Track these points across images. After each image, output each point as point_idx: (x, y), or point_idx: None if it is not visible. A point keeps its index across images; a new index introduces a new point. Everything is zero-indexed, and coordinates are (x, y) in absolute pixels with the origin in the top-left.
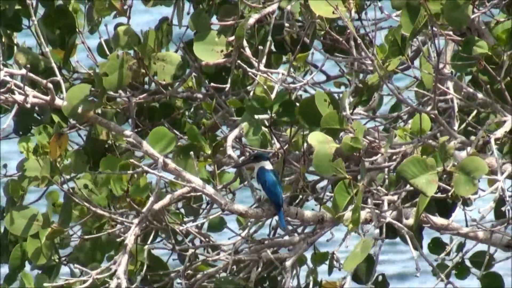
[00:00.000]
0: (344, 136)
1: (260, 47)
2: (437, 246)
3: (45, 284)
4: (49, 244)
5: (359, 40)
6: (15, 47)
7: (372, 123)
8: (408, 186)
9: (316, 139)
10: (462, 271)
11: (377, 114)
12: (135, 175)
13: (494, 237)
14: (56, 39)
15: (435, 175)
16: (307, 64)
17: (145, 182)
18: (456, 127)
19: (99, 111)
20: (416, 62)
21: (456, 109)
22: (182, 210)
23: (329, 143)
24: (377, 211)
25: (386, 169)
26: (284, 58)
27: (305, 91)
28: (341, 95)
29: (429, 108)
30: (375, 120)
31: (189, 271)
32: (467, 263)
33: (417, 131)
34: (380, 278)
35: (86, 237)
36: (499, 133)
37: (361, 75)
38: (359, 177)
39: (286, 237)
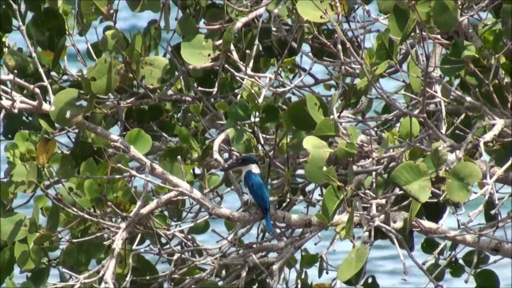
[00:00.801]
0: (334, 140)
1: (247, 51)
2: (430, 246)
3: None
4: (37, 248)
5: (348, 44)
6: (6, 49)
7: (360, 126)
8: (396, 189)
9: (311, 143)
10: (456, 270)
11: (366, 117)
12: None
13: (482, 241)
14: (45, 41)
15: (428, 181)
16: (296, 67)
17: (124, 184)
18: (444, 130)
19: (88, 114)
20: (404, 66)
21: (444, 112)
22: (166, 213)
23: (323, 148)
24: (366, 215)
25: (374, 173)
26: (273, 61)
27: (293, 93)
28: (330, 98)
29: (417, 111)
30: (364, 123)
31: (176, 275)
32: (461, 262)
33: (405, 135)
34: (370, 280)
35: (74, 240)
36: (488, 136)
37: (349, 79)
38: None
39: (274, 241)
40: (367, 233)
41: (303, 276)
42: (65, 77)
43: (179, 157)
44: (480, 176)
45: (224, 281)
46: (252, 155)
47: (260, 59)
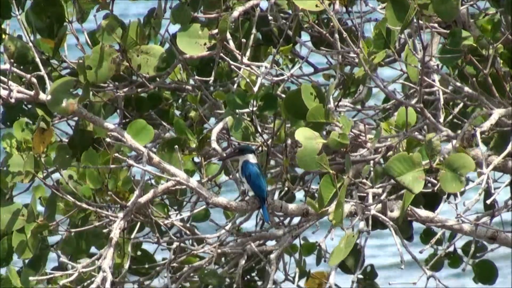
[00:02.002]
0: (329, 129)
1: (243, 40)
2: (429, 236)
3: (30, 278)
4: (35, 238)
5: (345, 34)
6: (6, 36)
7: (359, 116)
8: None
9: (303, 135)
10: (454, 261)
11: (365, 106)
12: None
13: (479, 230)
14: (44, 28)
15: (421, 172)
16: (296, 56)
17: (126, 175)
18: (442, 120)
19: (87, 103)
20: (403, 55)
21: (442, 101)
22: (167, 201)
23: (316, 139)
24: (360, 204)
25: (372, 162)
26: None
27: (292, 82)
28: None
29: (414, 101)
30: (362, 112)
31: (174, 264)
32: (459, 252)
33: (402, 124)
34: (369, 268)
35: (72, 230)
36: (485, 126)
37: (348, 68)
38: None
39: (272, 230)
40: (363, 222)
41: (302, 264)
42: (64, 64)
43: (176, 146)
44: (473, 167)
45: (223, 269)
46: (250, 145)
47: (260, 47)
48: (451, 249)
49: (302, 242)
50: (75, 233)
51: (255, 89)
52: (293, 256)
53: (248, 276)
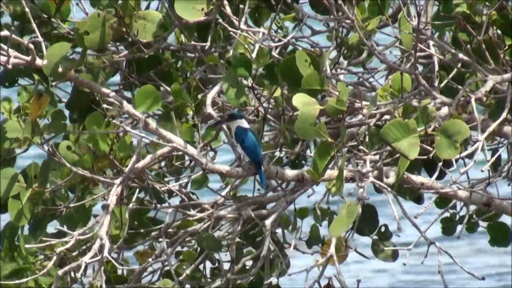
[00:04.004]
0: (328, 94)
1: (241, 6)
2: (443, 201)
3: (27, 246)
4: (30, 205)
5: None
6: None
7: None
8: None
9: (301, 101)
10: (471, 226)
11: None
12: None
13: (474, 196)
14: None
15: (417, 138)
16: (297, 20)
17: (130, 139)
18: (436, 84)
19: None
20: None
21: (437, 67)
22: (165, 169)
23: (313, 105)
24: (358, 171)
25: (367, 125)
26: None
27: (293, 45)
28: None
29: (409, 65)
30: (357, 75)
31: (170, 229)
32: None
33: (397, 90)
34: (383, 229)
35: (72, 205)
36: (480, 92)
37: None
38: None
39: (268, 194)
40: (361, 190)
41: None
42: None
43: (172, 112)
44: (468, 133)
45: (219, 234)
46: (240, 110)
47: (262, 10)
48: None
49: (313, 206)
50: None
51: (253, 55)
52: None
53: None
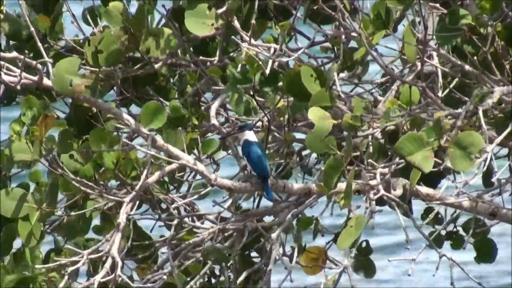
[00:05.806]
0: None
1: (253, 22)
2: (429, 214)
3: (37, 266)
4: (39, 225)
5: (346, 14)
6: (1, 15)
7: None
8: (398, 158)
9: (317, 115)
10: (456, 242)
11: (362, 80)
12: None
13: (479, 206)
14: (40, 5)
15: (430, 151)
16: (293, 30)
17: (135, 155)
18: (439, 94)
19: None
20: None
21: (441, 79)
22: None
23: (327, 119)
24: (366, 184)
25: (370, 136)
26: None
27: (289, 56)
28: (327, 65)
29: (412, 76)
30: (359, 86)
31: (174, 241)
32: (461, 232)
33: (406, 103)
34: (364, 244)
35: (73, 213)
36: (487, 104)
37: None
38: (344, 145)
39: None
40: (373, 203)
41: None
42: (62, 43)
43: (179, 128)
44: (482, 145)
45: (223, 246)
46: (249, 122)
47: (257, 21)
48: (451, 229)
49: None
50: (75, 216)
51: (267, 71)
52: (291, 233)
53: (250, 252)
